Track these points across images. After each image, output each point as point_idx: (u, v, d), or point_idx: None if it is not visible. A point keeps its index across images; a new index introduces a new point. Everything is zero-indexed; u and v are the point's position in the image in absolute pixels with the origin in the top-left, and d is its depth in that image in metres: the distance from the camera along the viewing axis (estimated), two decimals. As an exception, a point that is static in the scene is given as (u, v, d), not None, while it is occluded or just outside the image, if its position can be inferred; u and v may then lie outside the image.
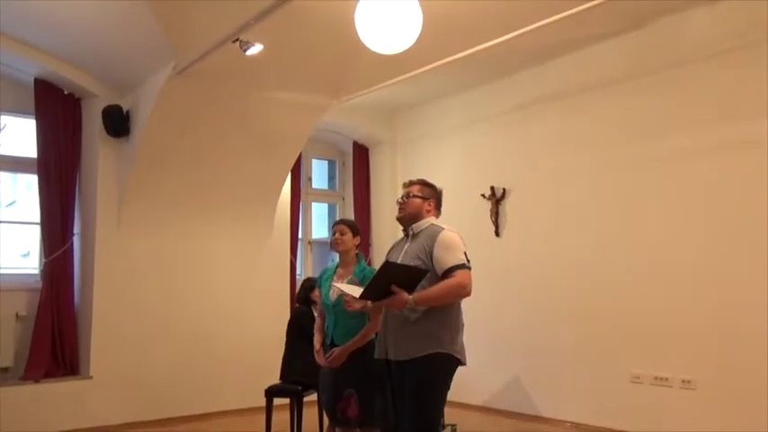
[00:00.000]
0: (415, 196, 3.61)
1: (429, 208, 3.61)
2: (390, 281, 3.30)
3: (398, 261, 3.52)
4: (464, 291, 3.28)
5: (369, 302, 3.50)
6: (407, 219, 3.60)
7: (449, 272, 3.27)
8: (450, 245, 3.35)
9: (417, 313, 3.31)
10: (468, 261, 3.34)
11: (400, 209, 3.65)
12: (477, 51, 5.49)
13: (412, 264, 3.41)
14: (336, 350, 3.92)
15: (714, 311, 5.24)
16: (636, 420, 5.69)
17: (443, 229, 3.45)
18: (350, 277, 4.03)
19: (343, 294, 3.73)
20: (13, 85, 6.50)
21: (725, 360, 5.15)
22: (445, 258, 3.30)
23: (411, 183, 3.72)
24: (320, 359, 4.09)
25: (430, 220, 3.58)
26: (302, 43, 5.60)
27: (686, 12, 5.47)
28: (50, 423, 5.99)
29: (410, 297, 3.24)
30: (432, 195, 3.66)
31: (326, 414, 4.32)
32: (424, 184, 3.71)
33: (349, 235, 4.17)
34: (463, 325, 3.46)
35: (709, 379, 5.25)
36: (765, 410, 4.86)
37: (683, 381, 5.41)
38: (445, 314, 3.33)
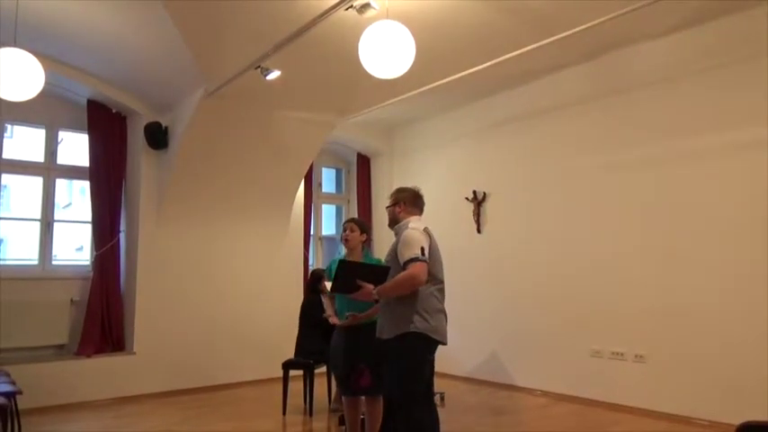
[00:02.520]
0: (389, 207, 3.64)
1: (400, 210, 3.56)
2: (354, 276, 3.38)
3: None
4: (415, 280, 3.18)
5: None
6: (391, 224, 3.62)
7: (405, 265, 3.22)
8: (407, 242, 3.28)
9: (396, 301, 3.29)
10: (424, 254, 3.22)
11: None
12: (461, 77, 5.49)
13: (386, 259, 3.46)
14: (353, 316, 3.95)
15: (663, 297, 5.25)
16: (595, 389, 5.70)
17: (408, 228, 3.39)
18: None
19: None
20: (70, 105, 6.50)
21: (671, 338, 5.16)
22: (403, 253, 3.26)
23: (390, 196, 3.71)
24: (334, 320, 4.12)
25: (409, 220, 3.49)
26: (314, 70, 5.59)
27: (632, 45, 5.52)
28: (100, 392, 6.00)
29: (374, 289, 3.30)
30: (400, 199, 3.59)
31: (339, 384, 4.28)
32: (396, 192, 3.67)
33: (357, 232, 4.17)
34: (440, 309, 3.34)
35: (657, 354, 5.26)
36: (704, 380, 4.89)
37: (636, 355, 5.42)
38: (417, 300, 3.24)
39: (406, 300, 3.25)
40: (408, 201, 3.58)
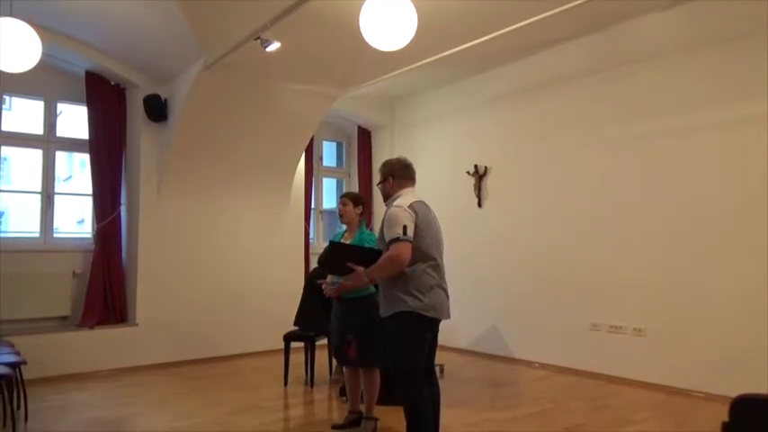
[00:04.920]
0: (379, 183, 3.54)
1: (390, 185, 3.45)
2: (344, 259, 3.36)
3: None
4: (397, 261, 3.11)
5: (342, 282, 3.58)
6: (385, 200, 3.49)
7: (388, 245, 3.15)
8: (389, 221, 3.19)
9: (389, 281, 3.24)
10: (406, 233, 3.12)
11: None
12: (463, 49, 5.45)
13: (378, 237, 3.39)
14: (340, 284, 3.76)
15: (661, 271, 5.28)
16: (594, 362, 5.76)
17: (391, 206, 3.29)
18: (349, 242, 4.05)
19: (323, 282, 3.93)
20: (68, 77, 6.45)
21: (670, 312, 5.20)
22: (386, 233, 3.19)
23: (378, 171, 3.59)
24: (327, 288, 3.97)
25: (398, 194, 3.38)
26: (314, 41, 5.54)
27: (636, 18, 5.48)
28: (103, 363, 6.08)
29: (364, 272, 3.27)
30: (387, 174, 3.47)
31: (334, 355, 4.35)
32: (382, 167, 3.54)
33: (350, 206, 4.15)
34: (434, 285, 3.22)
35: (656, 328, 5.31)
36: (702, 354, 4.95)
37: (635, 329, 5.47)
38: (408, 279, 3.17)
39: (398, 280, 3.19)
40: (397, 173, 3.45)
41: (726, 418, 1.82)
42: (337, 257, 3.46)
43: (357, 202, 4.19)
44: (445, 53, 5.58)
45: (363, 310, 3.92)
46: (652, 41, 5.41)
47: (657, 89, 5.36)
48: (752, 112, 4.73)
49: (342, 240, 4.12)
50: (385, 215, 3.27)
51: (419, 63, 5.88)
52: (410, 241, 3.13)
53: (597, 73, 5.86)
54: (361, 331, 3.93)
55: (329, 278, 4.07)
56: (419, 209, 3.27)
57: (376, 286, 3.69)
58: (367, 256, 3.35)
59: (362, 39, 3.50)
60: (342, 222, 4.21)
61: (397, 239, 3.11)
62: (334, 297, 3.97)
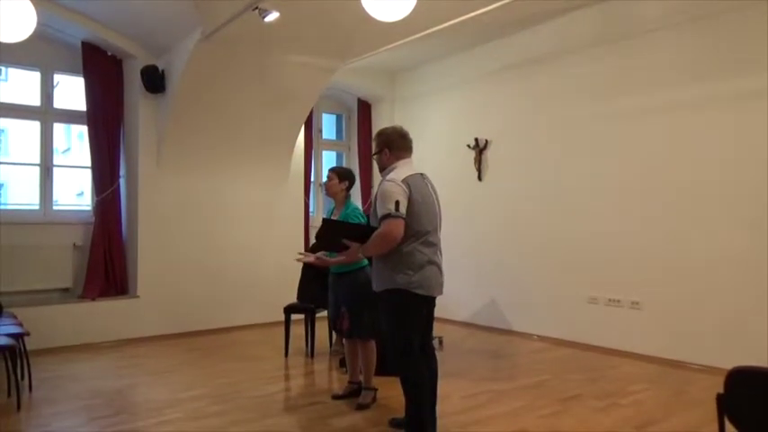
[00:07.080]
0: (374, 154, 3.43)
1: (386, 157, 3.32)
2: (338, 235, 3.33)
3: None
4: (389, 238, 3.04)
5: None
6: (381, 170, 3.40)
7: (380, 221, 3.07)
8: (382, 196, 3.09)
9: (380, 257, 3.19)
10: (398, 209, 3.01)
11: None
12: (465, 20, 5.37)
13: (372, 211, 3.31)
14: (321, 258, 3.85)
15: (659, 245, 5.29)
16: (592, 334, 5.82)
17: (384, 180, 3.20)
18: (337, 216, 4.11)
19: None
20: (64, 47, 6.37)
21: (667, 285, 5.24)
22: (379, 209, 3.10)
23: (372, 141, 3.48)
24: (303, 258, 4.15)
25: (393, 167, 3.27)
26: (314, 12, 5.46)
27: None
28: (105, 334, 6.14)
29: (359, 249, 3.23)
30: (382, 144, 3.34)
31: (331, 327, 4.42)
32: (376, 137, 3.42)
33: (335, 180, 4.15)
34: (426, 262, 3.12)
35: (653, 301, 5.35)
36: (698, 327, 5.00)
37: (632, 302, 5.50)
38: (398, 257, 3.10)
39: (389, 257, 3.13)
40: (393, 144, 3.32)
41: (721, 389, 1.83)
42: (331, 234, 3.45)
43: (342, 176, 4.17)
44: (446, 24, 5.51)
45: (354, 282, 4.00)
46: (655, 13, 5.33)
47: (660, 62, 5.31)
48: (754, 85, 4.68)
49: (331, 216, 4.15)
50: (378, 189, 3.20)
51: (420, 34, 5.81)
52: (402, 218, 3.05)
53: (599, 45, 5.80)
54: (352, 303, 4.01)
55: (320, 254, 4.11)
56: (413, 182, 3.16)
57: (370, 259, 3.62)
58: (360, 231, 3.32)
59: (363, 9, 3.46)
60: (327, 196, 4.24)
61: (388, 216, 3.04)
62: (319, 267, 4.06)
